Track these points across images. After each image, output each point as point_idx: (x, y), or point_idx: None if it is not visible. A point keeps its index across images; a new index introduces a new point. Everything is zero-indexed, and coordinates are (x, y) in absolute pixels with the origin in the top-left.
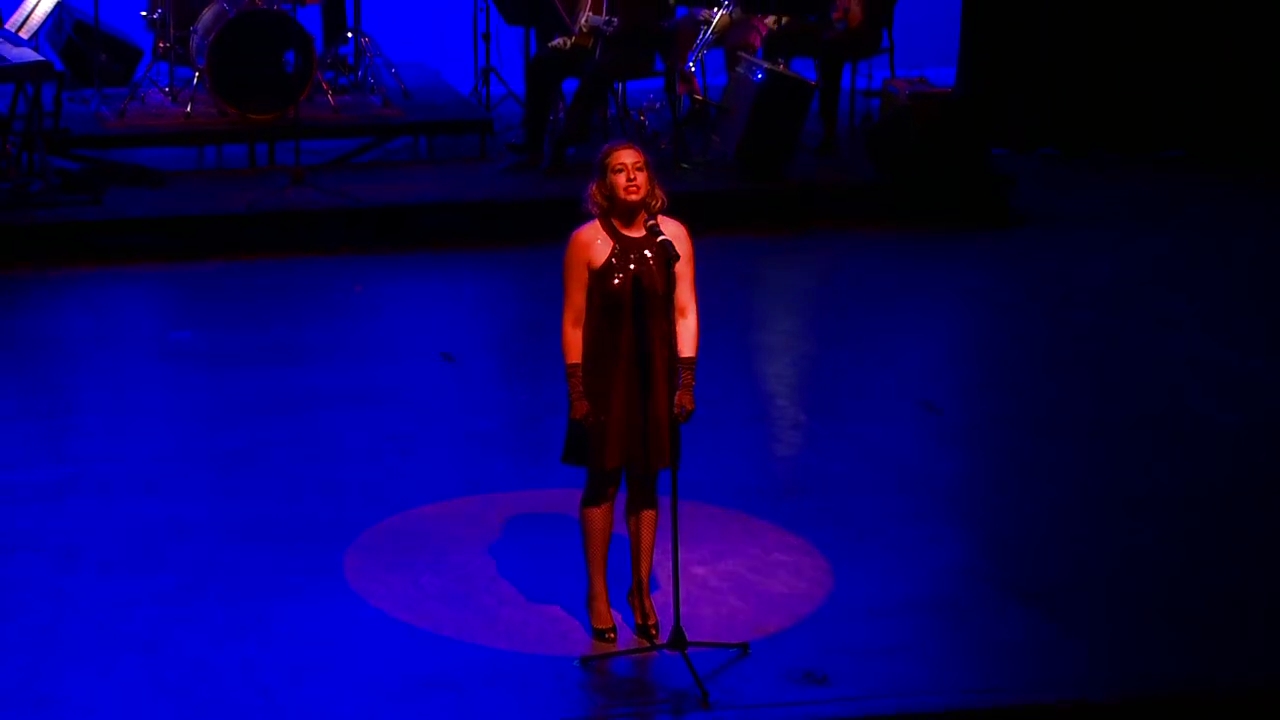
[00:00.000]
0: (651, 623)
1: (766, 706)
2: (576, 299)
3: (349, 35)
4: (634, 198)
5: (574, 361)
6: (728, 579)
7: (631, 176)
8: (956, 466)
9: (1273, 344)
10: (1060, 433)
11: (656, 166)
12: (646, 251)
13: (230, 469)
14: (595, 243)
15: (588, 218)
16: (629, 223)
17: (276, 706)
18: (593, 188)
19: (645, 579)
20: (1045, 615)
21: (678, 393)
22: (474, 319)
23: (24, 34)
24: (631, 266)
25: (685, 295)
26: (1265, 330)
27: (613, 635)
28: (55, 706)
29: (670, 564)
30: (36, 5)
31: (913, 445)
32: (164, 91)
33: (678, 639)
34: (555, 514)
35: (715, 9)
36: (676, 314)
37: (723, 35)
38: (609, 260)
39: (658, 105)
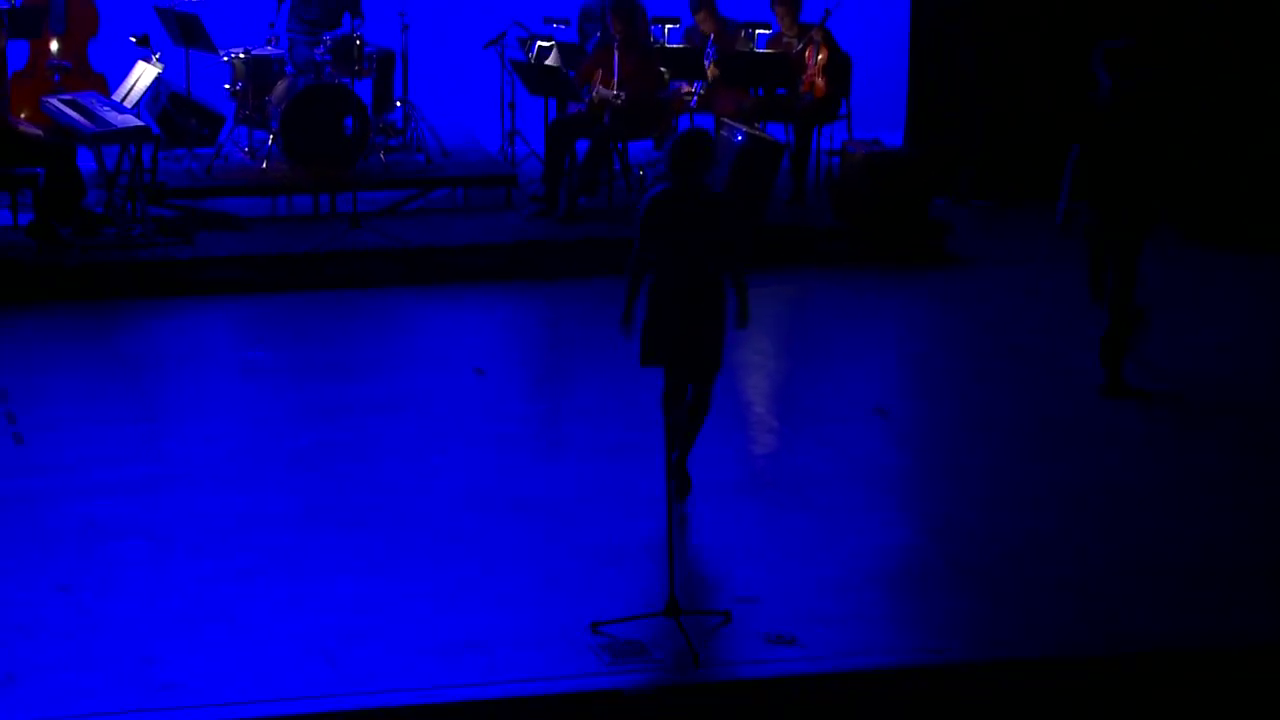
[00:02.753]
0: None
1: (746, 664)
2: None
3: (398, 104)
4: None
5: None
6: (716, 557)
7: None
8: (906, 462)
9: (1170, 360)
10: (992, 433)
11: None
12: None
13: (296, 466)
14: (664, 201)
15: (599, 257)
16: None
17: (337, 665)
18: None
19: (686, 449)
20: (981, 587)
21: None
22: (502, 340)
23: (127, 103)
24: (688, 222)
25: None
26: (1166, 349)
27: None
28: (156, 665)
29: (667, 550)
30: (138, 80)
31: (869, 444)
32: (244, 151)
33: (672, 608)
34: (564, 505)
35: (696, 82)
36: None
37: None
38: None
39: (654, 161)
